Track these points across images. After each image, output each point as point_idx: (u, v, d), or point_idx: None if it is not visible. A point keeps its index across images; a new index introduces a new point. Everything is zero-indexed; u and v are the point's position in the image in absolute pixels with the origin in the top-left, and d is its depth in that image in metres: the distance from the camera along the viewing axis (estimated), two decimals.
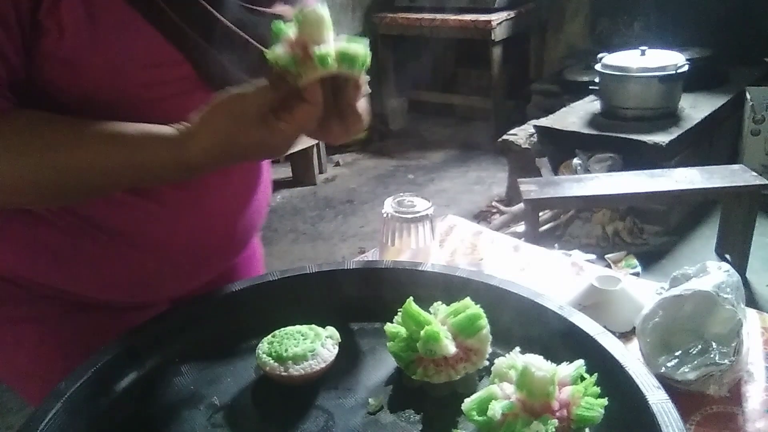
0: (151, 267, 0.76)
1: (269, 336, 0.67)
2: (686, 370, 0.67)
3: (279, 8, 0.72)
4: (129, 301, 0.79)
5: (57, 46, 0.59)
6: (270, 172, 0.90)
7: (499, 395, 0.55)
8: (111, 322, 0.76)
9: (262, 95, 0.60)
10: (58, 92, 0.62)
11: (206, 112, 0.60)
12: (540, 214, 2.55)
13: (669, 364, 0.68)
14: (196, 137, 0.60)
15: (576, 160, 2.71)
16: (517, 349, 0.61)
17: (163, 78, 0.64)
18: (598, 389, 0.54)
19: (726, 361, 0.67)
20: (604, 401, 0.53)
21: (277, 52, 0.59)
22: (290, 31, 0.59)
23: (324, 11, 0.60)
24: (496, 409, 0.52)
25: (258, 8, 0.69)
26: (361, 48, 0.61)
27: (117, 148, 0.61)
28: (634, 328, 0.76)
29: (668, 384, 0.64)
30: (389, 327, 0.66)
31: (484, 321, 0.63)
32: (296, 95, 0.59)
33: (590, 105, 3.03)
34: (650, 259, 2.49)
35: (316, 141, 3.69)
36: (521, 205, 2.65)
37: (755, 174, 2.24)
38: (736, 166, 2.34)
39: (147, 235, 0.73)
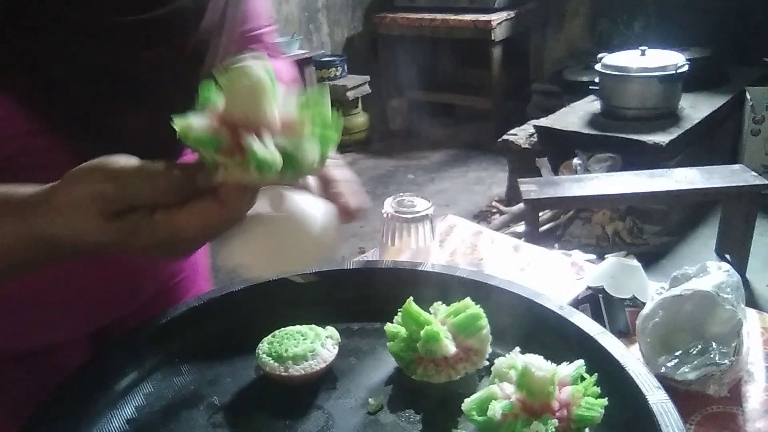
0: (72, 304, 0.70)
1: (269, 336, 0.67)
2: (686, 370, 0.67)
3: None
4: (50, 343, 0.73)
5: None
6: None
7: (499, 395, 0.55)
8: (36, 368, 0.72)
9: (149, 183, 0.44)
10: None
11: (74, 174, 0.45)
12: (540, 214, 2.55)
13: (669, 364, 0.68)
14: (52, 202, 0.45)
15: (576, 160, 2.71)
16: (517, 349, 0.61)
17: (29, 148, 0.56)
18: (598, 389, 0.54)
19: (726, 361, 0.67)
20: (604, 401, 0.53)
21: (194, 124, 0.42)
22: (220, 100, 0.43)
23: (262, 72, 0.43)
24: (496, 409, 0.52)
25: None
26: (313, 149, 0.44)
27: None
28: (635, 327, 0.76)
29: (668, 384, 0.64)
30: (389, 327, 0.66)
31: (484, 321, 0.63)
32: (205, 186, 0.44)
33: (590, 105, 3.03)
34: (650, 259, 2.49)
35: None
36: (521, 205, 2.66)
37: (755, 174, 2.24)
38: (736, 166, 2.34)
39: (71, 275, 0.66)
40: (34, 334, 0.71)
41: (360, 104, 4.19)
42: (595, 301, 0.82)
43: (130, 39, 0.57)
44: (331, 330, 0.68)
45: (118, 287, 0.73)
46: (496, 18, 3.77)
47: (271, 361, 0.64)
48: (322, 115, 0.45)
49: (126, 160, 0.45)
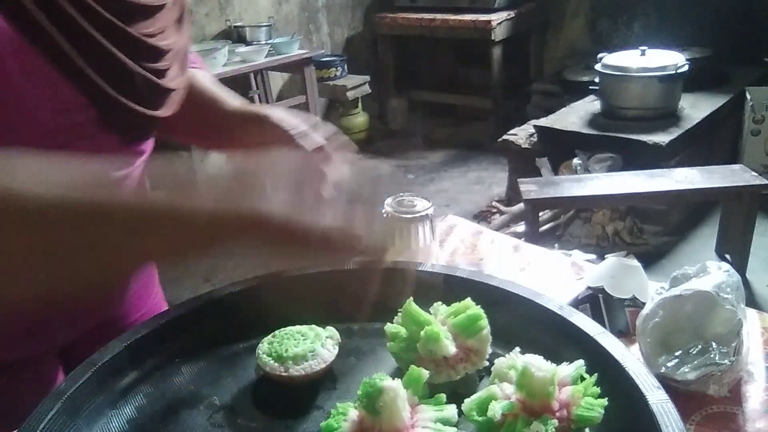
0: (35, 316, 0.72)
1: (269, 336, 0.67)
2: (686, 370, 0.67)
3: (172, 40, 0.70)
4: (14, 358, 0.75)
5: None
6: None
7: (499, 395, 0.55)
8: (9, 383, 0.74)
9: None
10: None
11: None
12: (540, 214, 2.55)
13: (669, 364, 0.68)
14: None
15: (576, 160, 2.71)
16: (517, 349, 0.61)
17: (68, 123, 0.61)
18: (598, 389, 0.54)
19: (726, 361, 0.67)
20: (604, 401, 0.53)
21: None
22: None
23: (397, 388, 0.55)
24: (496, 409, 0.52)
25: (159, 45, 0.67)
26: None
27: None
28: (635, 327, 0.76)
29: (668, 384, 0.64)
30: (389, 327, 0.65)
31: (485, 321, 0.63)
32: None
33: (590, 105, 3.03)
34: (650, 259, 2.49)
35: None
36: (521, 205, 2.66)
37: (755, 174, 2.24)
38: (736, 166, 2.34)
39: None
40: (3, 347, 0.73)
41: (360, 104, 4.20)
42: (595, 301, 0.82)
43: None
44: (331, 330, 0.68)
45: (71, 309, 0.75)
46: (496, 18, 3.77)
47: (271, 361, 0.64)
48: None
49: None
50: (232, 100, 0.83)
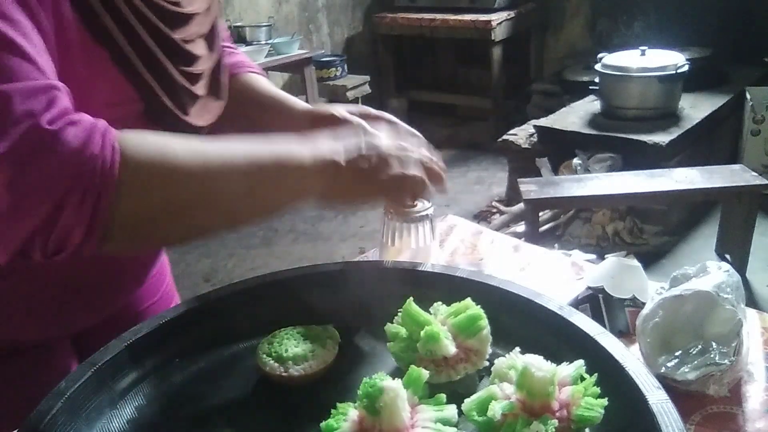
0: (59, 297, 0.75)
1: (269, 336, 0.67)
2: (686, 370, 0.67)
3: (204, 51, 0.75)
4: (32, 339, 0.77)
5: None
6: None
7: (499, 395, 0.55)
8: (15, 368, 0.76)
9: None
10: None
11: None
12: (540, 214, 2.55)
13: (669, 364, 0.68)
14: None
15: (576, 160, 2.71)
16: (517, 349, 0.61)
17: (115, 116, 0.62)
18: (598, 389, 0.54)
19: (726, 361, 0.67)
20: (604, 401, 0.53)
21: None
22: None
23: (397, 387, 0.55)
24: (496, 410, 0.53)
25: (192, 51, 0.72)
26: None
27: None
28: (635, 327, 0.76)
29: (668, 384, 0.64)
30: (389, 327, 0.66)
31: (485, 321, 0.63)
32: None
33: (590, 105, 3.03)
34: (650, 259, 2.49)
35: None
36: (521, 205, 2.66)
37: (755, 174, 2.24)
38: (736, 166, 2.34)
39: (53, 268, 0.71)
40: (17, 328, 0.75)
41: (360, 104, 4.19)
42: (595, 301, 0.82)
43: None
44: (331, 330, 0.69)
45: (96, 291, 0.78)
46: (496, 18, 3.77)
47: (271, 361, 0.64)
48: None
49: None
50: (298, 101, 0.86)
